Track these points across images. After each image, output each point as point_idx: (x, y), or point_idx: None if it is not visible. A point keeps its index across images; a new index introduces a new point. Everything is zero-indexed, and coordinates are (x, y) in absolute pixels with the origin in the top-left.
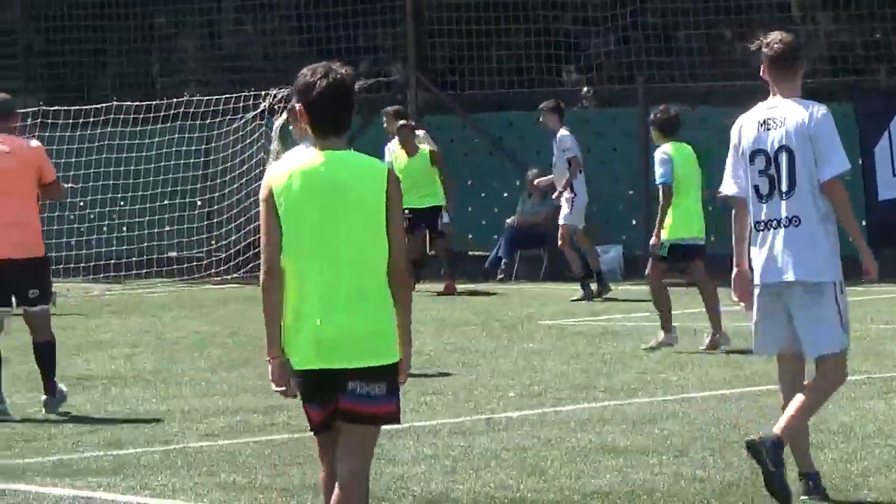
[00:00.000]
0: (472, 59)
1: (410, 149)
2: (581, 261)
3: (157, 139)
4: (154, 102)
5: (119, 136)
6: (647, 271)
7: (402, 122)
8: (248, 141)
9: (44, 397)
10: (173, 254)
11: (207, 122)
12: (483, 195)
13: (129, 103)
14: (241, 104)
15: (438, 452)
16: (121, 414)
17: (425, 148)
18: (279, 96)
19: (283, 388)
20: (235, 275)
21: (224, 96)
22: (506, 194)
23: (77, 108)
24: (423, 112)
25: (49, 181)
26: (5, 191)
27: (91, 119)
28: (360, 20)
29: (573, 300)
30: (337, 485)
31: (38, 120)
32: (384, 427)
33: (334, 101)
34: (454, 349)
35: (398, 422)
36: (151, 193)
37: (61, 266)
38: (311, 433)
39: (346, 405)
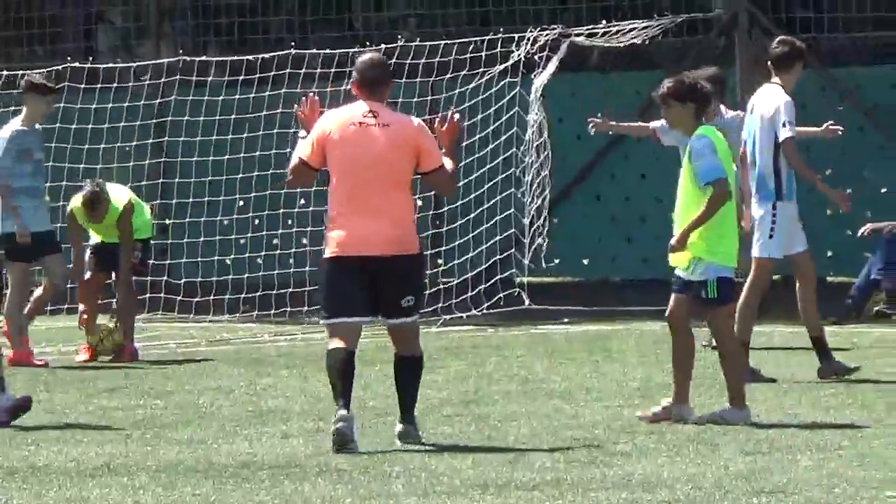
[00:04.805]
0: None
1: None
2: None
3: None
4: (352, 50)
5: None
6: None
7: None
8: (492, 108)
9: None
10: None
11: (431, 79)
12: (848, 189)
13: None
14: (483, 53)
15: None
16: None
17: None
18: (540, 42)
19: None
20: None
21: (457, 41)
22: (884, 189)
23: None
24: (757, 65)
25: None
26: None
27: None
28: None
29: None
30: None
31: None
32: None
33: None
34: (797, 423)
35: None
36: None
37: None
38: None
39: None
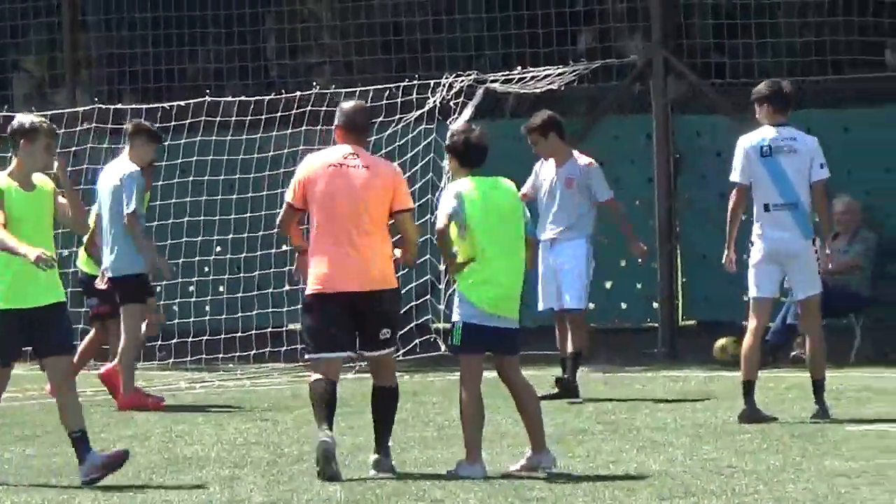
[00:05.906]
0: (748, 32)
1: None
2: None
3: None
4: (268, 98)
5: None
6: None
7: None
8: (408, 154)
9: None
10: None
11: None
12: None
13: (231, 99)
14: (399, 99)
15: None
16: None
17: None
18: (457, 87)
19: None
20: None
21: (372, 88)
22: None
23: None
24: (674, 109)
25: None
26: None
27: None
28: None
29: None
30: None
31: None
32: None
33: None
34: (713, 468)
35: None
36: None
37: None
38: None
39: None
